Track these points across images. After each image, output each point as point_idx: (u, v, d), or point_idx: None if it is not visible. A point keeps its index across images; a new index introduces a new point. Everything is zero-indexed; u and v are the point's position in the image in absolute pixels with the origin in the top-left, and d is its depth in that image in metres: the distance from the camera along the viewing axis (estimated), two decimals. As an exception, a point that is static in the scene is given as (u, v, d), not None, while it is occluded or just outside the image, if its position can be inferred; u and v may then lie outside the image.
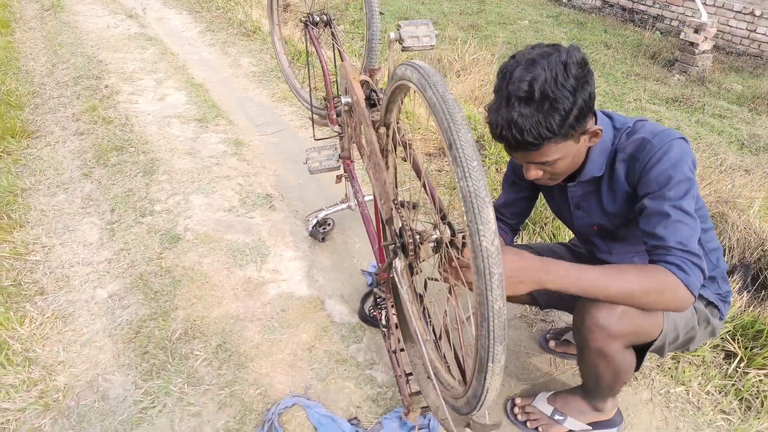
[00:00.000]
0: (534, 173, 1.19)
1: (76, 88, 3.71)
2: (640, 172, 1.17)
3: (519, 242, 1.99)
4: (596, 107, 1.20)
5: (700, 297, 1.37)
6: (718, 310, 1.39)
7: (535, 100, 1.03)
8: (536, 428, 1.54)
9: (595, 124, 1.22)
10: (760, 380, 1.69)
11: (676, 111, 5.04)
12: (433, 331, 1.64)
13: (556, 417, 1.53)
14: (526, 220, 1.65)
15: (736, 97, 5.41)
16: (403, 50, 1.42)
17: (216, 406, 1.60)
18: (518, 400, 1.60)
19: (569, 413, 1.52)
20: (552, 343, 1.84)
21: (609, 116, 1.27)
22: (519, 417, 1.56)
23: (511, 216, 1.54)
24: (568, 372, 1.75)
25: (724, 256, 2.08)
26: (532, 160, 1.15)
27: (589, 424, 1.53)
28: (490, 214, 0.86)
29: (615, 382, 1.40)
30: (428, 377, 1.46)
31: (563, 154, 1.13)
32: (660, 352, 1.35)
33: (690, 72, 5.84)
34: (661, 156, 1.13)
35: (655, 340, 1.27)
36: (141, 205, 2.47)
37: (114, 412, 1.59)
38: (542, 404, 1.56)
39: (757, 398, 1.67)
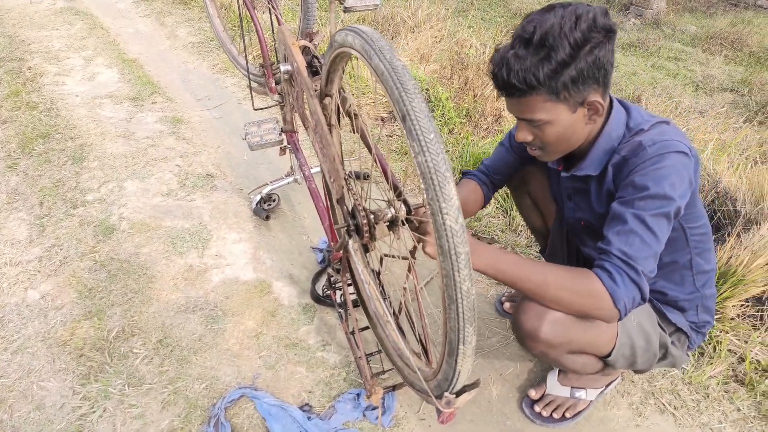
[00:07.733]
0: (523, 134, 1.11)
1: (-3, 73, 3.41)
2: (625, 177, 1.08)
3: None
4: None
5: (666, 321, 1.28)
6: (688, 338, 1.30)
7: (534, 43, 0.98)
8: (563, 415, 1.46)
9: (607, 108, 1.11)
10: (713, 327, 1.69)
11: (632, 56, 5.00)
12: (392, 310, 1.56)
13: (577, 394, 1.47)
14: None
15: (691, 39, 5.39)
16: (345, 11, 1.29)
17: (159, 405, 1.51)
18: (532, 393, 1.50)
19: (586, 385, 1.47)
20: (507, 305, 1.81)
21: (627, 110, 1.15)
22: (544, 413, 1.46)
23: (495, 176, 1.47)
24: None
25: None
26: (521, 115, 1.08)
27: (606, 386, 1.51)
28: (452, 190, 0.80)
29: (591, 372, 1.35)
30: (396, 358, 1.40)
31: (552, 118, 1.05)
32: (631, 367, 1.30)
33: (645, 15, 5.78)
34: (649, 165, 1.04)
35: (610, 353, 1.22)
36: (71, 195, 2.30)
37: (51, 421, 1.49)
38: (558, 388, 1.48)
39: (710, 344, 1.67)
